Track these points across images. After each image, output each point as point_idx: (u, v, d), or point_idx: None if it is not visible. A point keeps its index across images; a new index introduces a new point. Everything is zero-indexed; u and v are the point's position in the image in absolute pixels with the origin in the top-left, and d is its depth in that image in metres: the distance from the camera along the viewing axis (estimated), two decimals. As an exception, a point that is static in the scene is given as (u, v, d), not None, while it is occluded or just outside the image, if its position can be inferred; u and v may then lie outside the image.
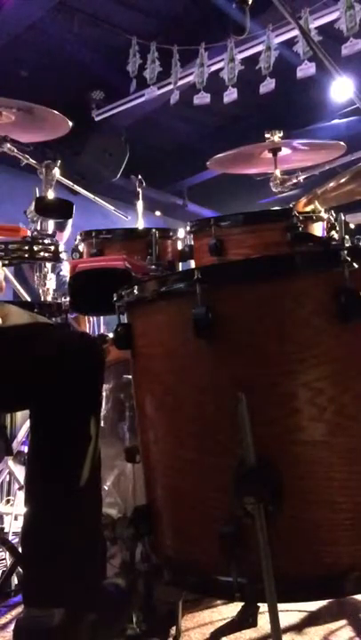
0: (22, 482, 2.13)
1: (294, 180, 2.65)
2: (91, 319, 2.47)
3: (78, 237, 2.43)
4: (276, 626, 1.15)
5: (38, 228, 2.24)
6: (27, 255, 2.13)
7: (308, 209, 2.08)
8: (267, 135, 2.62)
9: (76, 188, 2.82)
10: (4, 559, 2.11)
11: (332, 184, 1.92)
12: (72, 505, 1.38)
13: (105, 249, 2.34)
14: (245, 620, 1.67)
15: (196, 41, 5.19)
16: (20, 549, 1.84)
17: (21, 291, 2.56)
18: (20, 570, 1.88)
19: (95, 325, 2.69)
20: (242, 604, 1.68)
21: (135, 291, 1.36)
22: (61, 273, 3.04)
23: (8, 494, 2.51)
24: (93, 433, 1.41)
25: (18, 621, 1.38)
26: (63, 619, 1.32)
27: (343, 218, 1.91)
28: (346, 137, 2.90)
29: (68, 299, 2.02)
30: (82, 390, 1.41)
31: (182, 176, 7.54)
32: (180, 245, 2.42)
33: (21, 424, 2.30)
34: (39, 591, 1.38)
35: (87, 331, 2.43)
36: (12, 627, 1.69)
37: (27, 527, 1.44)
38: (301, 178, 2.66)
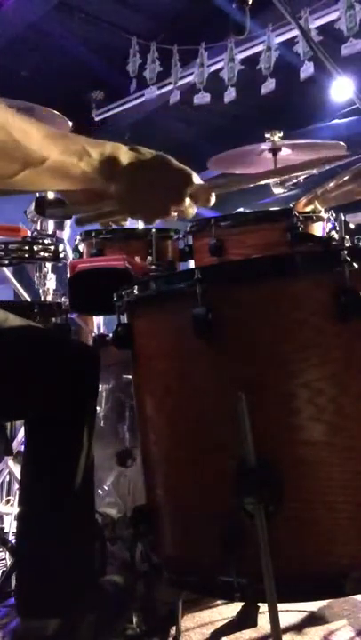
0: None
1: (294, 180, 2.65)
2: (94, 318, 2.46)
3: (78, 237, 2.43)
4: (276, 626, 1.15)
5: (38, 227, 2.25)
6: (27, 255, 2.14)
7: (308, 209, 2.07)
8: (267, 135, 2.62)
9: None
10: (4, 559, 2.11)
11: (332, 184, 1.92)
12: (66, 509, 1.38)
13: (105, 249, 2.33)
14: (245, 620, 1.67)
15: (196, 41, 5.20)
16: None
17: (21, 291, 2.56)
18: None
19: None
20: (242, 604, 1.68)
21: (135, 291, 1.36)
22: None
23: (8, 494, 2.51)
24: (87, 440, 1.41)
25: (14, 632, 1.37)
26: (61, 624, 1.31)
27: (343, 218, 1.90)
28: (346, 137, 2.90)
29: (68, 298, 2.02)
30: (77, 399, 1.40)
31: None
32: (180, 245, 2.42)
33: (21, 424, 2.30)
34: (36, 603, 1.36)
35: (93, 330, 2.42)
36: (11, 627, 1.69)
37: (21, 533, 1.44)
38: (301, 178, 2.66)
